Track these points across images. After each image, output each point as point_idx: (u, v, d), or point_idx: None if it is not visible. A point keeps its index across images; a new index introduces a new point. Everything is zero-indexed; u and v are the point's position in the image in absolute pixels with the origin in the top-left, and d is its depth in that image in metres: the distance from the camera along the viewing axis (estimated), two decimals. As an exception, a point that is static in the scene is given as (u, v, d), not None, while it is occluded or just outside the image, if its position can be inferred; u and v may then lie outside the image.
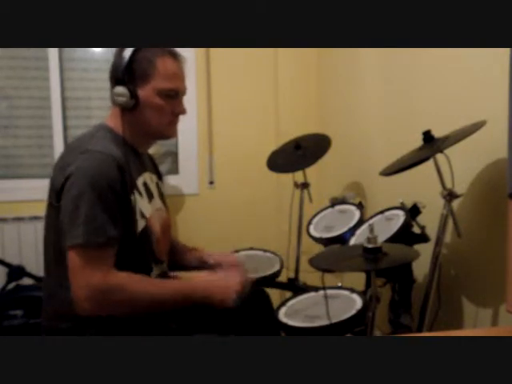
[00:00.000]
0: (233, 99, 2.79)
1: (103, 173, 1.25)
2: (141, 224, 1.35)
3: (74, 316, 1.28)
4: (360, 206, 2.02)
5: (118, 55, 1.35)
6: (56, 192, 1.29)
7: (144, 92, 1.35)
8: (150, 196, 1.45)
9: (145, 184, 1.43)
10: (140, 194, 1.38)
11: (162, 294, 1.30)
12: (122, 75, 1.33)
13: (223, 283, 1.37)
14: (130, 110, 1.35)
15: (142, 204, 1.37)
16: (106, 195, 1.25)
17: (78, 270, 1.22)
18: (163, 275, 1.49)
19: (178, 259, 1.63)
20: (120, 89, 1.33)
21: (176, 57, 1.40)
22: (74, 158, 1.28)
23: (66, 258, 1.24)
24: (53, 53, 2.58)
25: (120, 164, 1.29)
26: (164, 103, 1.37)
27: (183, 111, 1.44)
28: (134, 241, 1.33)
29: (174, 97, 1.39)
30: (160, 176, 1.62)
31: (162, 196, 1.54)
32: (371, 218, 1.83)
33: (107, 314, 1.26)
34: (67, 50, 2.63)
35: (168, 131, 1.44)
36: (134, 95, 1.33)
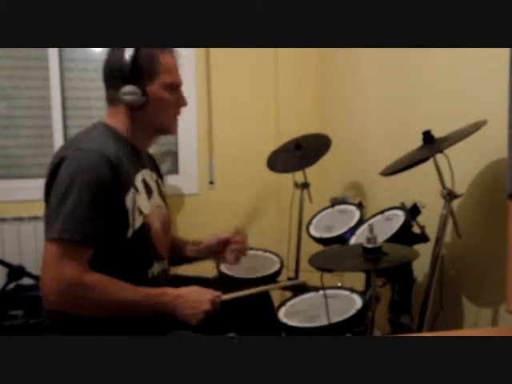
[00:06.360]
0: (233, 99, 2.78)
1: (92, 171, 1.26)
2: (139, 221, 1.35)
3: (76, 315, 1.28)
4: (360, 206, 2.01)
5: (117, 55, 1.35)
6: (46, 188, 1.31)
7: (153, 88, 1.37)
8: (149, 193, 1.45)
9: (143, 181, 1.44)
10: (137, 190, 1.38)
11: (131, 300, 1.27)
12: (130, 74, 1.34)
13: (194, 298, 1.34)
14: (138, 107, 1.37)
15: (140, 201, 1.38)
16: (92, 193, 1.25)
17: (51, 264, 1.23)
18: (164, 272, 1.50)
19: (178, 253, 1.64)
20: (130, 87, 1.34)
21: (173, 51, 1.44)
22: (65, 155, 1.30)
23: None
24: (53, 53, 2.58)
25: (113, 162, 1.29)
26: (171, 96, 1.41)
27: (186, 103, 1.48)
28: (130, 239, 1.33)
29: (176, 89, 1.44)
30: (160, 174, 1.62)
31: (161, 193, 1.55)
32: (371, 217, 1.83)
33: (73, 310, 1.25)
34: (67, 50, 2.62)
35: (172, 126, 1.48)
36: (144, 92, 1.36)
